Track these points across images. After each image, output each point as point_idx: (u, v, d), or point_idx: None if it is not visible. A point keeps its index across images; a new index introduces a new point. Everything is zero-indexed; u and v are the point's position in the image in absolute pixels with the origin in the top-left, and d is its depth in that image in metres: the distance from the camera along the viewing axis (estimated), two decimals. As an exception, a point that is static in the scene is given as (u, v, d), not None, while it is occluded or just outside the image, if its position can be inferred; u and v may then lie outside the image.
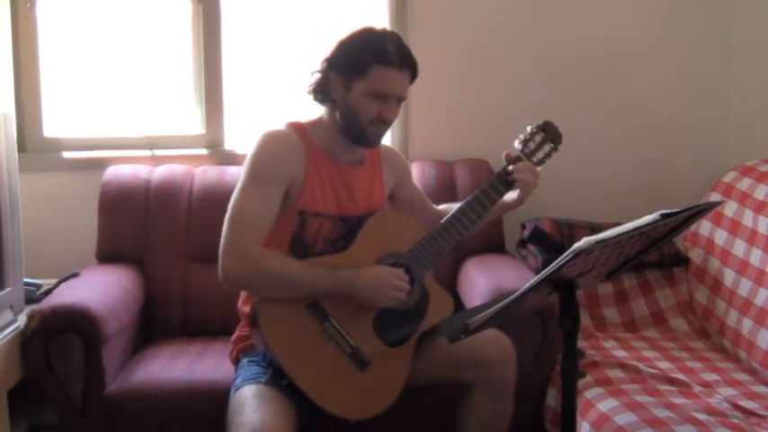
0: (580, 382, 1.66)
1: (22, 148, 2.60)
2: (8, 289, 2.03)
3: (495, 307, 1.47)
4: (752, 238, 2.42)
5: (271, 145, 1.89)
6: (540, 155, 2.01)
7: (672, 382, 2.14)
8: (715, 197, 2.66)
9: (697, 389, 2.10)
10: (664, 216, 1.39)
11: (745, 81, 2.94)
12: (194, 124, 2.86)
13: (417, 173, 2.69)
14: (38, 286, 2.31)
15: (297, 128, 1.95)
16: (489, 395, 1.90)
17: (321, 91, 1.93)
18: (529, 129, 2.02)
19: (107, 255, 2.51)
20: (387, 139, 2.72)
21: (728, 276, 2.48)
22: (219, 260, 1.80)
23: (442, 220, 1.95)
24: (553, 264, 1.38)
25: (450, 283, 2.52)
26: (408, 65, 1.88)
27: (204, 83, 2.82)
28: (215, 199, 2.44)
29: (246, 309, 1.89)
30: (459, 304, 2.36)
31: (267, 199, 1.84)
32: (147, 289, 2.47)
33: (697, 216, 1.55)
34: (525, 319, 2.11)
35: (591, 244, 1.33)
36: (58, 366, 2.02)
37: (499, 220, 2.52)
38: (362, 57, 1.85)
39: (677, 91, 2.99)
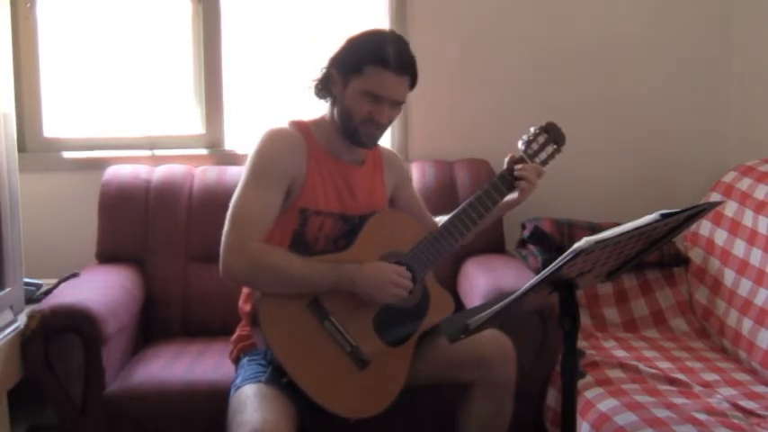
0: (580, 382, 1.65)
1: (22, 148, 2.60)
2: (8, 289, 2.03)
3: (496, 307, 1.47)
4: (752, 238, 2.42)
5: (273, 143, 1.89)
6: (543, 156, 2.01)
7: (672, 382, 2.14)
8: (715, 197, 2.66)
9: (697, 389, 2.10)
10: (664, 216, 1.39)
11: (745, 81, 2.94)
12: (194, 124, 2.86)
13: (417, 173, 2.70)
14: (38, 286, 2.31)
15: (299, 126, 1.95)
16: (489, 395, 1.90)
17: (323, 87, 1.94)
18: (532, 130, 2.02)
19: (107, 255, 2.51)
20: (386, 140, 2.73)
21: (728, 276, 2.48)
22: (221, 257, 1.80)
23: (444, 221, 1.95)
24: (553, 264, 1.38)
25: (451, 283, 2.52)
26: (407, 70, 1.86)
27: (204, 83, 2.82)
28: (215, 199, 2.44)
29: (247, 308, 1.89)
30: (459, 304, 2.36)
31: (269, 196, 1.84)
32: (147, 289, 2.47)
33: (697, 216, 1.55)
34: (525, 319, 2.11)
35: (591, 244, 1.33)
36: (58, 366, 2.02)
37: (499, 220, 2.51)
38: (360, 56, 1.85)
39: (677, 91, 2.99)
